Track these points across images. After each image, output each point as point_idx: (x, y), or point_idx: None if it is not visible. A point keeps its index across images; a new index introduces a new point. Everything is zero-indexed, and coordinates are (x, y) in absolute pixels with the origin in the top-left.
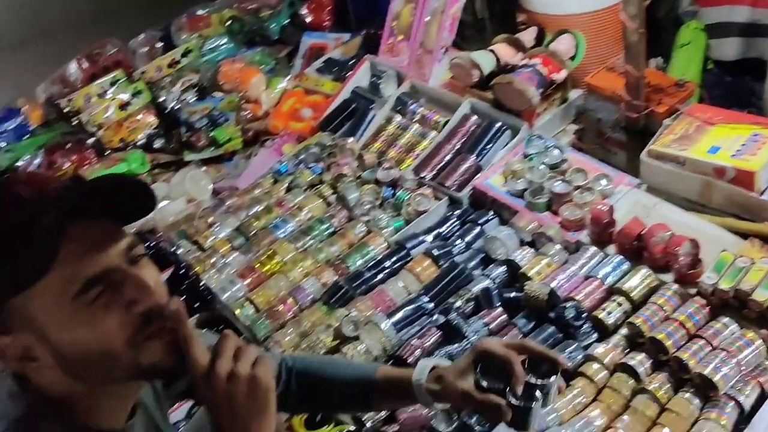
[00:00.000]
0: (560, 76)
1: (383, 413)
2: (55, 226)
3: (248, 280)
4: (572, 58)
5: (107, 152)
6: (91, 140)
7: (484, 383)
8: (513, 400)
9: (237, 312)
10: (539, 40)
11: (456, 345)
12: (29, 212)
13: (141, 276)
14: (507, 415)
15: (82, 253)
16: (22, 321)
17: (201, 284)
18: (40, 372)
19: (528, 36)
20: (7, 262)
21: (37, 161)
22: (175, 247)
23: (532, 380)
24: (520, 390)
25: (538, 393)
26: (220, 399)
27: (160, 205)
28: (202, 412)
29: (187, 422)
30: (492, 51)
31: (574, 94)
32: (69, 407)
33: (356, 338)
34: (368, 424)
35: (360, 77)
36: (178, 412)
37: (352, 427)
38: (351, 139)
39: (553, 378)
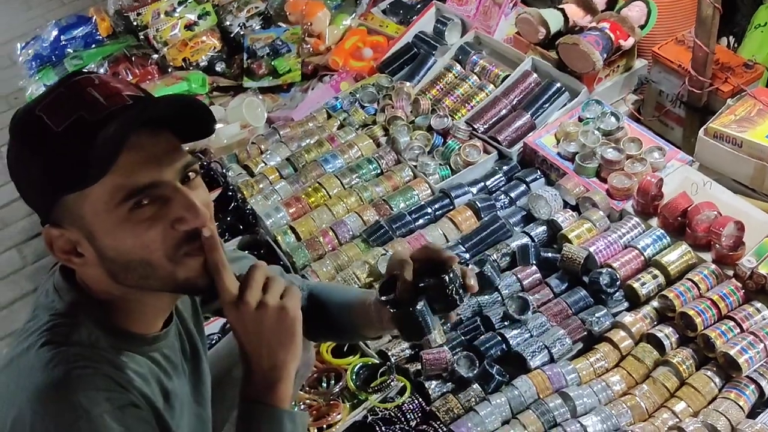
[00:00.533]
0: (628, 43)
1: (407, 350)
2: (120, 134)
3: (293, 209)
4: (642, 26)
5: (170, 70)
6: (155, 56)
7: (379, 296)
8: (393, 309)
9: (279, 238)
10: (611, 4)
11: (486, 296)
12: (98, 116)
13: (190, 196)
14: (386, 324)
15: (137, 162)
16: (72, 218)
17: (247, 208)
18: (85, 269)
19: None
20: (69, 161)
21: (102, 71)
22: (225, 170)
23: (423, 283)
24: (404, 296)
25: (424, 295)
26: (248, 327)
27: (216, 127)
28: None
29: (220, 336)
30: (561, 10)
31: (638, 63)
32: (108, 308)
33: None
34: (392, 360)
35: (425, 22)
36: (212, 325)
37: (377, 361)
38: (408, 84)
39: (444, 277)
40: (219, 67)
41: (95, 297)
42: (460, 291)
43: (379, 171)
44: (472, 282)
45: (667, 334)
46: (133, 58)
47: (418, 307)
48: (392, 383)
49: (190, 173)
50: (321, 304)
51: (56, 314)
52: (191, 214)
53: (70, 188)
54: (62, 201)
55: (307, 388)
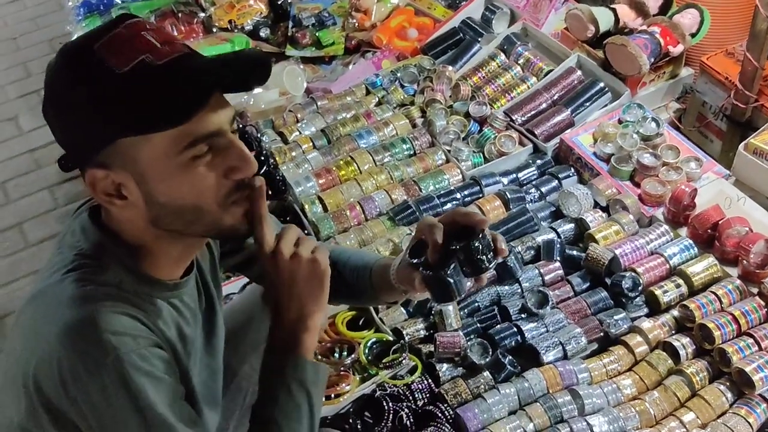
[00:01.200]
0: (676, 50)
1: (422, 330)
2: (204, 93)
3: (322, 180)
4: (693, 34)
5: (214, 30)
6: (201, 15)
7: (409, 259)
8: (425, 271)
9: (306, 207)
10: (664, 8)
11: (507, 287)
12: (162, 61)
13: (244, 148)
14: (417, 286)
15: (204, 111)
16: (125, 160)
17: (278, 174)
18: (123, 211)
19: (654, 2)
20: (136, 103)
21: None
22: (260, 134)
23: (452, 245)
24: (434, 259)
25: (455, 259)
26: (282, 275)
27: (255, 91)
28: (252, 290)
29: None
30: (613, 9)
31: (685, 71)
32: (135, 252)
33: None
34: (406, 338)
35: (473, 8)
36: (231, 286)
37: (391, 338)
38: (450, 68)
39: (473, 241)
40: (263, 32)
41: (123, 240)
42: (490, 254)
43: (412, 152)
44: (503, 246)
45: (683, 344)
46: (179, 15)
47: (449, 270)
48: (404, 361)
49: (236, 126)
50: (338, 266)
51: (81, 254)
52: (245, 164)
53: (136, 131)
54: (117, 143)
55: (320, 357)
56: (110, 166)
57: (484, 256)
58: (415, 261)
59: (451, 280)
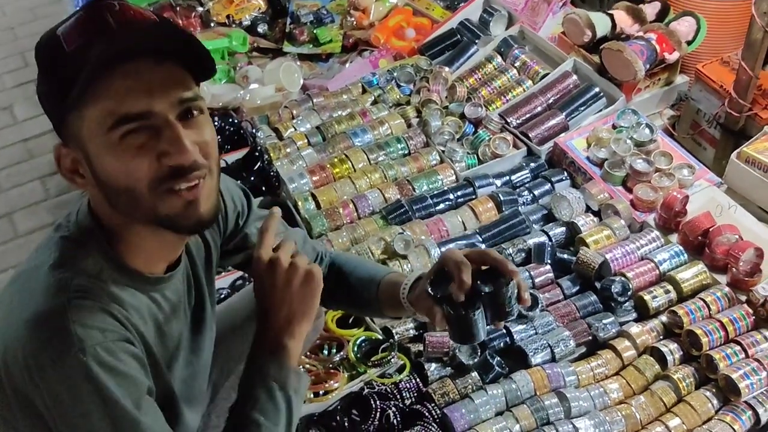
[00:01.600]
0: (672, 57)
1: (411, 330)
2: (102, 59)
3: (316, 177)
4: (689, 42)
5: (212, 24)
6: (200, 9)
7: (431, 291)
8: (449, 309)
9: (299, 204)
10: (661, 16)
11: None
12: (105, 41)
13: (178, 131)
14: (438, 323)
15: (131, 89)
16: (73, 138)
17: (272, 170)
18: (90, 191)
19: (651, 9)
20: (66, 79)
21: None
22: (255, 130)
23: (479, 287)
24: (460, 298)
25: (480, 303)
26: (278, 281)
27: (251, 87)
28: (248, 290)
29: (230, 292)
30: (610, 15)
31: (680, 79)
32: (115, 239)
33: (404, 257)
34: (396, 337)
35: (471, 10)
36: (222, 280)
37: (380, 336)
38: (447, 69)
39: (504, 289)
40: (261, 28)
41: (103, 225)
42: (516, 303)
43: (406, 151)
44: (527, 296)
45: (671, 349)
46: (177, 8)
47: (476, 314)
48: (392, 360)
49: (194, 110)
50: (343, 275)
51: (67, 237)
52: (176, 149)
53: (63, 107)
54: (66, 120)
55: (308, 353)
56: (68, 143)
57: (512, 305)
58: (438, 295)
59: (475, 325)
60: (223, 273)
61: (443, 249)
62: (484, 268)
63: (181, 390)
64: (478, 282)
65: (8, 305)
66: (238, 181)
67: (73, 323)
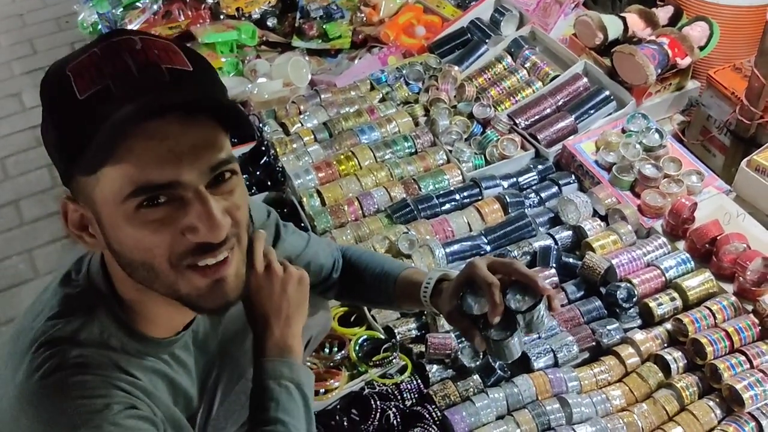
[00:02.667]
0: (684, 62)
1: (414, 330)
2: (123, 119)
3: (322, 174)
4: (702, 47)
5: (222, 17)
6: (210, 1)
7: (466, 310)
8: (488, 332)
9: (304, 200)
10: (674, 20)
11: None
12: (125, 90)
13: (210, 204)
14: (477, 345)
15: (156, 155)
16: (85, 197)
17: (278, 165)
18: (97, 250)
19: (663, 13)
20: (80, 136)
21: (155, 7)
22: (262, 124)
23: (512, 306)
24: (495, 320)
25: (516, 323)
26: (275, 288)
27: (259, 80)
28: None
29: None
30: (623, 18)
31: (691, 84)
32: (124, 304)
33: (408, 257)
34: (398, 337)
35: (482, 9)
36: None
37: (382, 336)
38: (456, 68)
39: (538, 307)
40: (271, 22)
41: (117, 289)
42: (546, 318)
43: (413, 150)
44: (556, 303)
45: (675, 357)
46: (187, 0)
47: (515, 339)
48: (394, 360)
49: (226, 173)
50: (355, 270)
51: (74, 296)
52: (206, 225)
53: (77, 167)
54: (76, 177)
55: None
56: (77, 198)
57: (543, 320)
58: (473, 315)
59: (516, 345)
60: None
61: (448, 250)
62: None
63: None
64: (509, 298)
65: (3, 368)
66: (245, 176)
67: (75, 400)
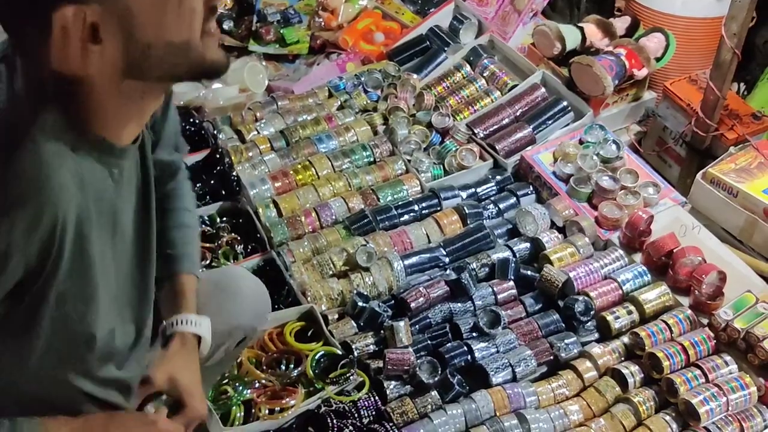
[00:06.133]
0: (641, 73)
1: (371, 345)
2: None
3: (278, 184)
4: (658, 59)
5: None
6: None
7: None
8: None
9: (260, 211)
10: (631, 30)
11: (459, 304)
12: None
13: None
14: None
15: None
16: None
17: (233, 174)
18: (93, 59)
19: (621, 24)
20: None
21: None
22: (216, 131)
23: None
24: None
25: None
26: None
27: (214, 86)
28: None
29: None
30: (581, 28)
31: (647, 95)
32: (90, 108)
33: (366, 269)
34: (355, 353)
35: (441, 17)
36: None
37: (339, 352)
38: (415, 76)
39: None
40: (227, 25)
41: (79, 86)
42: None
43: (372, 159)
44: None
45: (632, 371)
46: None
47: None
48: (351, 377)
49: None
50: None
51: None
52: None
53: None
54: None
55: (264, 368)
56: (87, 0)
57: None
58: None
59: None
60: None
61: (407, 262)
62: None
63: (101, 267)
64: None
65: None
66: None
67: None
